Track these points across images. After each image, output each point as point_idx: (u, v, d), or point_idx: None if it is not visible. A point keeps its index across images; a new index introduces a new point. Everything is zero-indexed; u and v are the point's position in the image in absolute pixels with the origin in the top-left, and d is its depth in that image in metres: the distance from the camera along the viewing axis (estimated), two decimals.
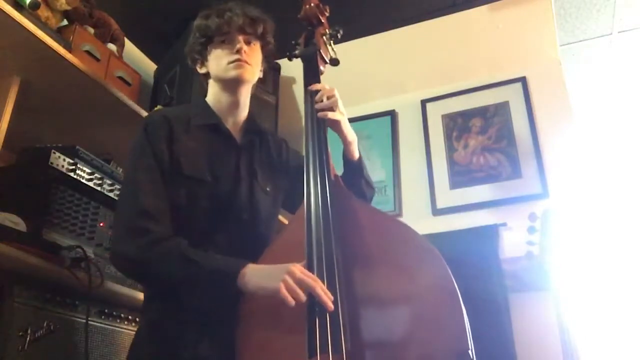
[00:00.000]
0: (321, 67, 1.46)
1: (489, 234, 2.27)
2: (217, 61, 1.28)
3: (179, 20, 2.43)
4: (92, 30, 1.96)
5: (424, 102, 2.76)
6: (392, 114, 2.82)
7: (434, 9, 2.51)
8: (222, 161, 1.24)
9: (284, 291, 0.95)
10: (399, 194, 2.59)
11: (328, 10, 1.55)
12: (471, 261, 2.13)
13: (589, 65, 3.02)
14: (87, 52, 1.84)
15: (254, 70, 1.31)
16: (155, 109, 2.17)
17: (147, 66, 2.66)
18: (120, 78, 1.98)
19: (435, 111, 2.72)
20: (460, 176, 2.52)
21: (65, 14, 1.85)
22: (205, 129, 1.27)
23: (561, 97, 2.48)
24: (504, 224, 2.28)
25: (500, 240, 2.26)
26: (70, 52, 1.63)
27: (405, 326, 0.97)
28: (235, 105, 1.32)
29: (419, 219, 2.48)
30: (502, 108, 2.57)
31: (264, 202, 1.27)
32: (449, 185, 2.52)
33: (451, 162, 2.58)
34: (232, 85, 1.29)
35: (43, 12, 1.66)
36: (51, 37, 1.53)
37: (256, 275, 1.01)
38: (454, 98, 2.70)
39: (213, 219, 1.18)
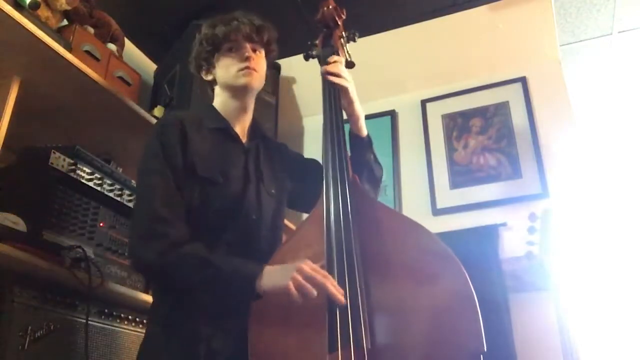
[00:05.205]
0: None
1: (489, 234, 2.27)
2: (226, 69, 1.32)
3: (179, 20, 2.43)
4: (92, 30, 1.96)
5: (424, 102, 2.77)
6: (392, 114, 2.82)
7: (434, 9, 2.51)
8: (231, 163, 1.28)
9: (292, 288, 0.97)
10: (399, 194, 2.60)
11: (345, 13, 1.56)
12: (471, 261, 2.09)
13: (589, 65, 3.02)
14: (87, 52, 1.84)
15: (261, 77, 1.35)
16: (155, 109, 2.17)
17: (147, 66, 2.66)
18: (120, 78, 1.98)
19: (435, 111, 2.73)
20: (460, 176, 2.52)
21: (65, 14, 1.85)
22: (215, 132, 1.30)
23: (561, 97, 2.49)
24: (504, 224, 2.28)
25: (500, 240, 2.26)
26: (70, 52, 1.62)
27: (423, 328, 0.99)
28: (242, 110, 1.36)
29: (419, 219, 2.38)
30: (502, 108, 2.58)
31: (269, 203, 1.30)
32: (449, 185, 2.53)
33: (451, 162, 2.58)
34: (240, 92, 1.33)
35: (43, 12, 1.66)
36: (51, 37, 1.52)
37: (270, 275, 1.03)
38: (454, 98, 2.71)
39: (223, 218, 1.20)
